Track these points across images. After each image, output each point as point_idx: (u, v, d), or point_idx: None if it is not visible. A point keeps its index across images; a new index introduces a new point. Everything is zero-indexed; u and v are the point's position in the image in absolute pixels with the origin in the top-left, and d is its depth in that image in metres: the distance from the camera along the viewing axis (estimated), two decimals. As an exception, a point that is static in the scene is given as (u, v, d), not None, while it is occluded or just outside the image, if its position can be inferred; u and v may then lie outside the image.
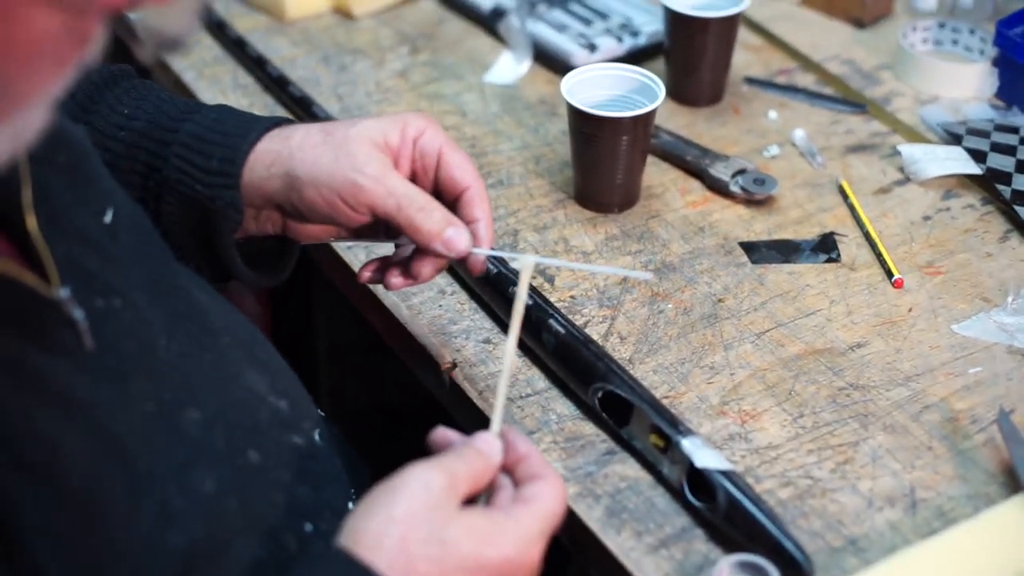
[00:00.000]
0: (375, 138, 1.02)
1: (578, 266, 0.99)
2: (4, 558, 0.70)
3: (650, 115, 1.33)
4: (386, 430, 1.67)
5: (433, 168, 1.04)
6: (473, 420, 1.18)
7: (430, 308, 1.26)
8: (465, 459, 0.87)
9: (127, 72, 1.12)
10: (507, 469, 0.90)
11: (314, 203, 1.01)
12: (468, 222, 1.02)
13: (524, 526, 0.86)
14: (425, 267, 1.04)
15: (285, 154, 1.02)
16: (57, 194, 0.84)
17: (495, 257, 1.25)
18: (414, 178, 1.04)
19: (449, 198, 1.04)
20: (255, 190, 1.03)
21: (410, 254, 1.07)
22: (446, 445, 0.92)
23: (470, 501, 0.89)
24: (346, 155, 1.00)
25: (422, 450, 1.49)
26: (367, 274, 1.09)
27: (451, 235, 1.00)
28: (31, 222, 0.78)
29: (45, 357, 0.75)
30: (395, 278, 1.06)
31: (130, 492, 0.76)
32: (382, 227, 1.06)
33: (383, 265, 1.09)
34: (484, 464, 0.88)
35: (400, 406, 1.62)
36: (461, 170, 1.03)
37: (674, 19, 1.50)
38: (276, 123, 1.06)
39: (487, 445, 0.90)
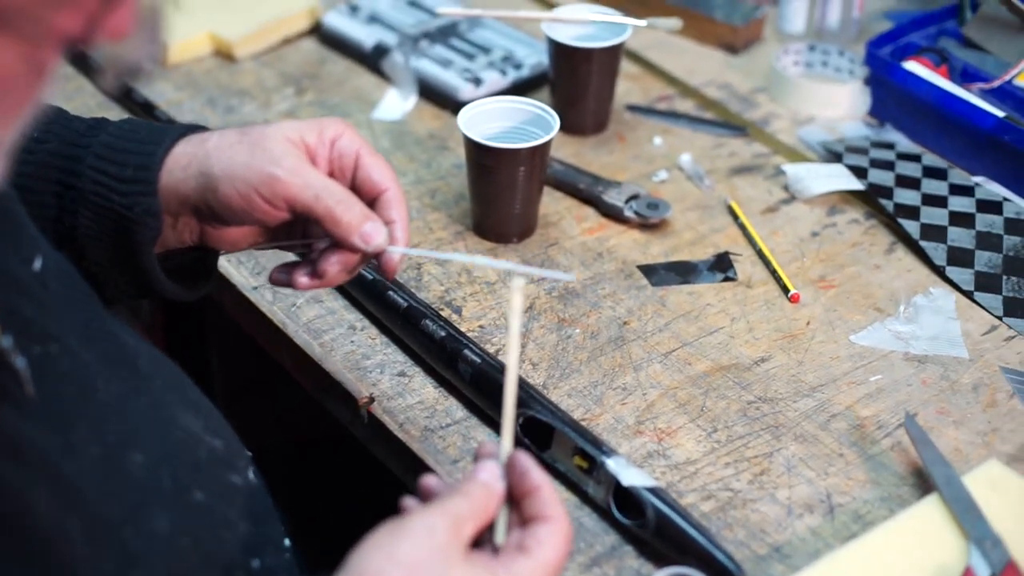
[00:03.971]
0: (291, 136, 1.02)
1: (499, 264, 1.01)
2: None
3: (546, 145, 1.36)
4: (291, 468, 1.67)
5: (351, 170, 1.04)
6: (394, 453, 1.19)
7: (342, 344, 1.27)
8: (469, 497, 0.86)
9: None
10: (515, 500, 0.88)
11: (230, 200, 1.00)
12: (385, 223, 1.02)
13: None
14: (332, 265, 1.03)
15: (201, 155, 1.01)
16: None
17: (404, 291, 1.27)
18: (331, 178, 1.03)
19: (366, 200, 1.04)
20: (172, 193, 1.02)
21: (318, 256, 1.05)
22: (433, 491, 0.91)
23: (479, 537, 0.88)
24: (262, 151, 1.00)
25: (333, 486, 1.49)
26: (275, 275, 1.07)
27: (369, 229, 1.00)
28: None
29: None
30: (302, 277, 1.05)
31: (91, 538, 0.76)
32: (299, 230, 1.06)
33: (291, 268, 1.07)
34: (489, 494, 0.87)
35: (305, 444, 1.62)
36: (379, 172, 1.04)
37: (558, 50, 1.54)
38: (191, 129, 1.05)
39: (489, 474, 0.88)
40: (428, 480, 0.93)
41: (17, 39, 0.63)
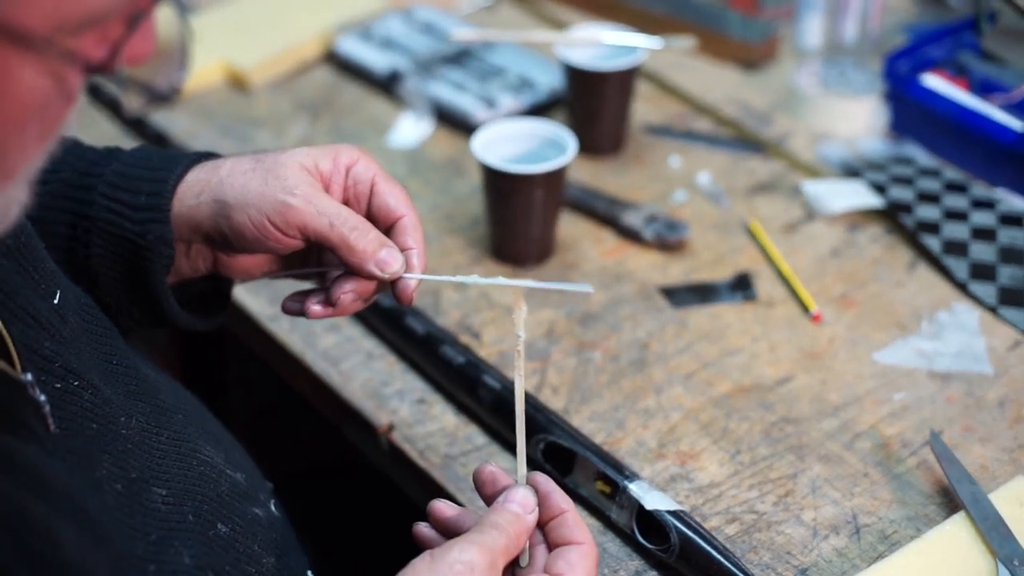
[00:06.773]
0: (305, 163, 1.00)
1: (516, 282, 0.99)
2: None
3: (563, 168, 1.35)
4: (310, 497, 1.66)
5: (366, 196, 1.03)
6: (414, 481, 1.18)
7: (360, 372, 1.27)
8: (504, 531, 0.86)
9: None
10: (540, 524, 0.89)
11: (243, 228, 0.98)
12: (402, 250, 1.01)
13: None
14: (346, 294, 1.00)
15: (214, 182, 1.00)
16: (7, 277, 0.83)
17: (422, 317, 1.26)
18: (346, 205, 1.02)
19: (382, 227, 1.02)
20: (184, 220, 1.01)
21: (331, 284, 1.03)
22: (450, 518, 0.91)
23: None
24: (275, 178, 0.98)
25: (353, 516, 1.48)
26: (287, 304, 1.05)
27: (385, 256, 0.98)
28: None
29: (16, 442, 0.74)
30: (314, 305, 1.02)
31: (116, 573, 0.76)
32: (314, 259, 1.05)
33: (303, 296, 1.05)
34: (522, 527, 0.87)
35: (324, 473, 1.61)
36: (395, 199, 1.02)
37: (573, 73, 1.53)
38: (204, 156, 1.04)
39: (523, 506, 0.88)
40: (441, 507, 0.92)
41: (50, 63, 0.63)
